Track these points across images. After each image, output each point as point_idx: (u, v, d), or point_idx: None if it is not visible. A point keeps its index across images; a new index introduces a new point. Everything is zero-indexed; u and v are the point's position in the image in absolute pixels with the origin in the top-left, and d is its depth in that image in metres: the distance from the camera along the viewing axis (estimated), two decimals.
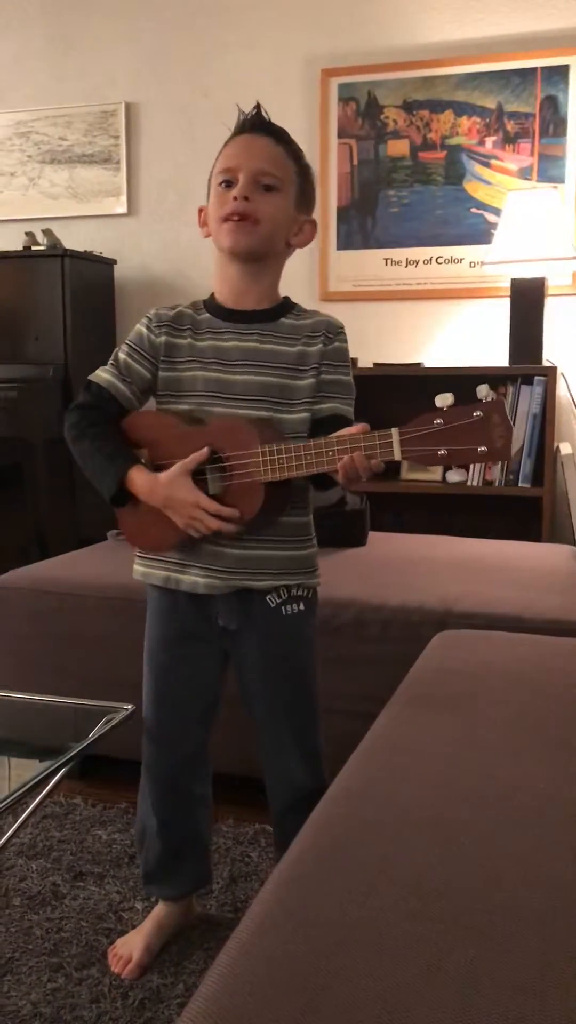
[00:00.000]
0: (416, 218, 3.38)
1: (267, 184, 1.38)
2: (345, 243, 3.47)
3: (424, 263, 3.39)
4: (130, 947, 1.55)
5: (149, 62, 3.69)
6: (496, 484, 3.09)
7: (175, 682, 1.52)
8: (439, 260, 3.37)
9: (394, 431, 1.22)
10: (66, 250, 3.50)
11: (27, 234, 3.62)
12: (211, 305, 1.46)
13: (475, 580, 2.11)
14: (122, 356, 1.46)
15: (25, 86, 3.86)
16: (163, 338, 1.43)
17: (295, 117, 3.43)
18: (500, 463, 1.20)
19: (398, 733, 1.27)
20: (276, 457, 1.30)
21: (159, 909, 1.61)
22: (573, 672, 1.50)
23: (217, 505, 1.34)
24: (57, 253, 3.48)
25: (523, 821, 1.00)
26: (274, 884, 0.90)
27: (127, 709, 1.54)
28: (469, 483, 3.12)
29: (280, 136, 1.43)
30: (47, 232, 3.56)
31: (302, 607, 1.47)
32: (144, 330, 1.45)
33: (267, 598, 1.44)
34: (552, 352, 3.16)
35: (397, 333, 3.44)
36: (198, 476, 1.36)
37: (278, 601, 1.45)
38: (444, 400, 1.21)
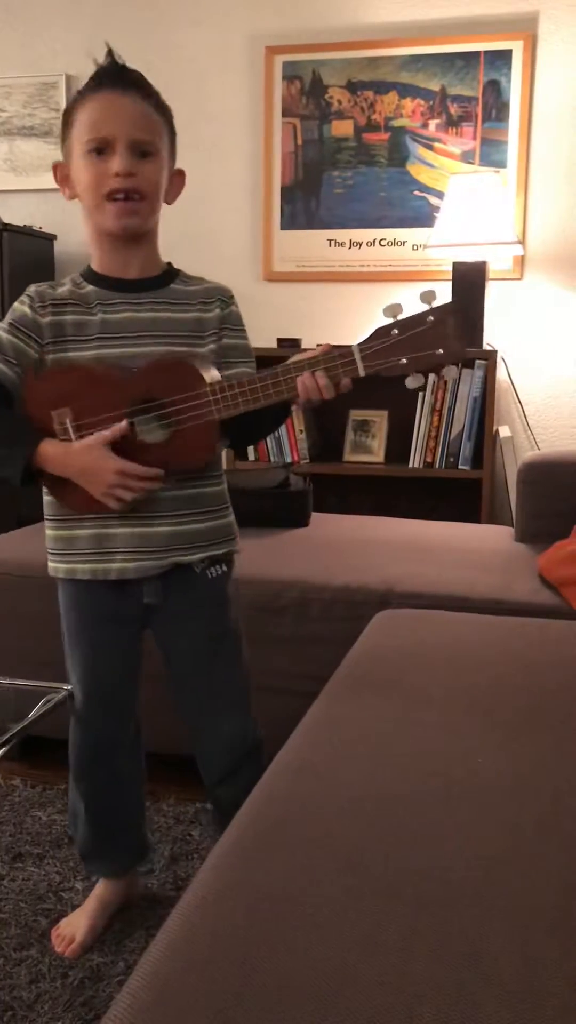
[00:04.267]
0: (360, 199, 3.38)
1: (144, 151, 1.31)
2: (289, 223, 3.45)
3: (367, 245, 3.39)
4: (74, 927, 1.54)
5: (91, 35, 3.61)
6: (437, 467, 3.12)
7: (99, 665, 1.49)
8: (382, 242, 3.38)
9: (354, 347, 1.23)
10: (5, 224, 3.43)
11: None
12: (93, 276, 1.39)
13: (416, 560, 2.13)
14: (4, 336, 1.34)
15: None
16: (48, 318, 1.35)
17: (239, 94, 3.39)
18: (455, 364, 1.23)
19: (338, 711, 1.28)
20: (228, 393, 1.26)
21: (100, 887, 1.60)
22: (511, 650, 1.52)
23: (142, 468, 1.29)
24: None
25: (460, 796, 1.02)
26: (215, 860, 0.90)
27: (67, 690, 1.53)
28: (411, 465, 3.15)
29: (145, 89, 1.34)
30: None
31: (224, 568, 1.48)
32: (26, 309, 1.35)
33: (193, 566, 1.44)
34: (492, 336, 3.19)
35: (340, 314, 3.44)
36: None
37: (202, 566, 1.45)
38: (394, 311, 1.23)
